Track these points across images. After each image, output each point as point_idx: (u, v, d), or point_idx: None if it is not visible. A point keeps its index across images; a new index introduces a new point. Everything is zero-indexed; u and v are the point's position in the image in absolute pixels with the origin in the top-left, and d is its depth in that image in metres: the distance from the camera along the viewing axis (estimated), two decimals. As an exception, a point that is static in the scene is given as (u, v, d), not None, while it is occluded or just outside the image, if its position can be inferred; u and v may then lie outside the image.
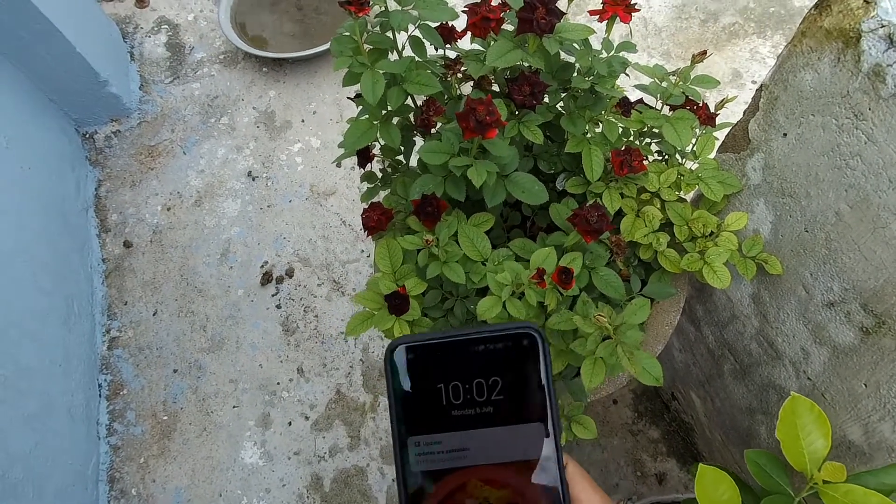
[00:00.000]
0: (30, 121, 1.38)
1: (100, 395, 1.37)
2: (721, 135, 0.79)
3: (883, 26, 0.49)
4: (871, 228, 0.59)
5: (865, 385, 0.66)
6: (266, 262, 1.50)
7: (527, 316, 0.58)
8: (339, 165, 0.80)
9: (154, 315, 1.45)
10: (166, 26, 1.81)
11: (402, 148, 0.71)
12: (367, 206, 0.66)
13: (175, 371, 1.39)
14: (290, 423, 1.30)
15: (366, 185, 0.75)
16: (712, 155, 0.76)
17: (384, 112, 0.65)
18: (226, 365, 1.38)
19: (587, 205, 0.58)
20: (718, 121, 0.77)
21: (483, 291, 0.63)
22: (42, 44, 1.34)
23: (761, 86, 0.66)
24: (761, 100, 0.67)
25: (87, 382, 1.34)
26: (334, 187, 1.58)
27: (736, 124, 0.74)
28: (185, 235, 1.54)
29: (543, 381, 0.32)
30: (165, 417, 1.34)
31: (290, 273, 1.48)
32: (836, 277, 0.66)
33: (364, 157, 0.70)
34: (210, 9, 1.83)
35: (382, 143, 0.66)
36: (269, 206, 1.57)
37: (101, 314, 1.45)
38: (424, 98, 0.63)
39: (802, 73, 0.59)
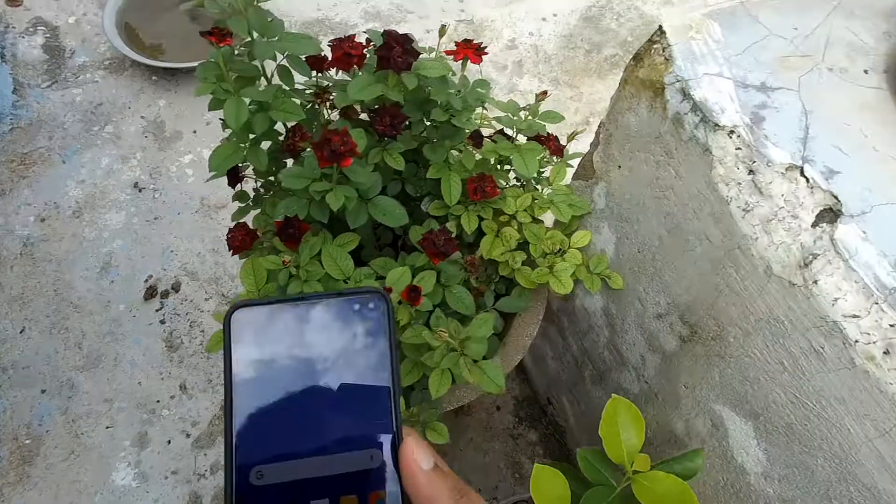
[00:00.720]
0: None
1: (-46, 422, 1.26)
2: (576, 163, 0.87)
3: (678, 81, 0.58)
4: (682, 251, 0.68)
5: (685, 386, 0.76)
6: (151, 276, 1.45)
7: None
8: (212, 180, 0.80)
9: (21, 332, 1.36)
10: (43, 28, 1.71)
11: (273, 168, 0.74)
12: (232, 227, 0.67)
13: (43, 391, 1.31)
14: (169, 442, 1.26)
15: (238, 204, 0.76)
16: (566, 182, 0.84)
17: (252, 136, 0.67)
18: (101, 383, 1.32)
19: (436, 229, 0.63)
20: (575, 150, 0.85)
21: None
22: None
23: (601, 123, 0.75)
24: (601, 135, 0.75)
25: (-61, 407, 1.23)
26: (226, 200, 1.55)
27: (584, 155, 0.82)
28: (60, 248, 1.46)
29: (387, 352, 0.31)
30: (28, 441, 1.26)
31: (176, 287, 1.44)
32: (662, 293, 0.75)
33: (234, 176, 0.72)
34: (94, 12, 1.76)
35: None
36: (155, 219, 1.52)
37: (-41, 332, 1.34)
38: (292, 123, 0.66)
39: (627, 115, 0.68)
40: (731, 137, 0.58)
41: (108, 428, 1.28)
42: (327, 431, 0.30)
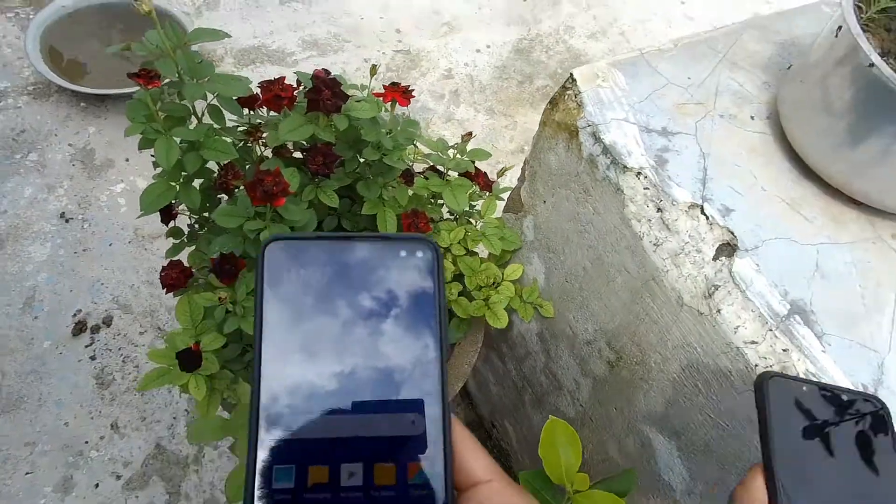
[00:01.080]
0: None
1: None
2: (507, 196, 0.91)
3: (589, 125, 0.63)
4: (605, 281, 0.72)
5: (615, 409, 0.80)
6: (80, 311, 1.39)
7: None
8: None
9: (-67, 375, 1.27)
10: (-38, 50, 1.63)
11: (207, 205, 0.74)
12: (165, 265, 0.67)
13: (-43, 438, 1.22)
14: (97, 485, 1.20)
15: (172, 241, 0.76)
16: (496, 215, 0.87)
17: (184, 174, 0.67)
18: (22, 426, 1.25)
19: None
20: (506, 184, 0.89)
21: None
22: None
23: (525, 160, 0.79)
24: (526, 171, 0.79)
25: None
26: (161, 230, 1.51)
27: (513, 189, 0.86)
28: (-22, 283, 1.38)
29: (435, 307, 0.28)
30: (-60, 494, 1.17)
31: (107, 321, 1.38)
32: (590, 320, 0.79)
33: (167, 213, 0.71)
34: (16, 34, 1.69)
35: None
36: (84, 251, 1.46)
37: None
38: (224, 162, 0.67)
39: (548, 154, 0.72)
40: (639, 178, 0.63)
41: (27, 474, 1.21)
42: (364, 388, 0.27)
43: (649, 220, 0.62)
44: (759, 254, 0.58)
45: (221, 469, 1.26)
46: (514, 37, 2.14)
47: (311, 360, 0.27)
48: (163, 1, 1.75)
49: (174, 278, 0.66)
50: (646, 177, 0.62)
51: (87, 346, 1.35)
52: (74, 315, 1.38)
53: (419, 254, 0.29)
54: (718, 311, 0.57)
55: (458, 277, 0.84)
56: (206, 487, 1.23)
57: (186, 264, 0.72)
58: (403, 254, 0.29)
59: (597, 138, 0.63)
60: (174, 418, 1.30)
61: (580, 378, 0.87)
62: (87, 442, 1.24)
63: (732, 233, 0.58)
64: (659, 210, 0.62)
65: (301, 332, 0.27)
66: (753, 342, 0.56)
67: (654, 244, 0.62)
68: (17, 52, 1.66)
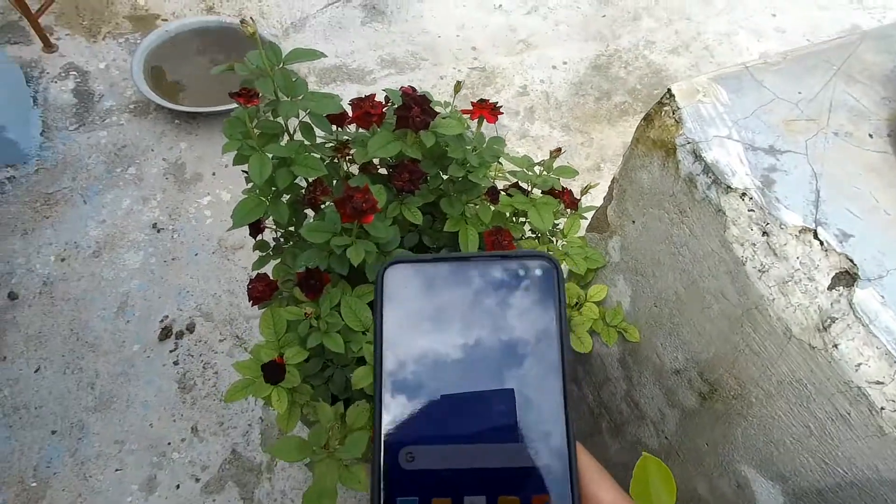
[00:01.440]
0: None
1: (-36, 462, 1.26)
2: (590, 215, 0.88)
3: (689, 142, 0.60)
4: (700, 308, 0.68)
5: (706, 444, 0.75)
6: (166, 317, 1.46)
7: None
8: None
9: (36, 372, 1.37)
10: (75, 73, 1.77)
11: (294, 220, 0.75)
12: (252, 277, 0.68)
13: (53, 432, 1.31)
14: (178, 486, 1.25)
15: (259, 253, 0.78)
16: (580, 234, 0.85)
17: (274, 189, 0.69)
18: (112, 425, 1.32)
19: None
20: (589, 202, 0.86)
21: (363, 360, 0.67)
22: (-69, 86, 1.29)
23: (614, 178, 0.76)
24: (615, 190, 0.76)
25: (-49, 447, 1.23)
26: (243, 242, 1.57)
27: (598, 209, 0.83)
28: (78, 287, 1.48)
29: (557, 330, 0.27)
30: (34, 484, 1.25)
31: (190, 328, 1.45)
32: (680, 348, 0.75)
33: (255, 227, 0.73)
34: (124, 58, 1.82)
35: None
36: (173, 259, 1.54)
37: (-25, 371, 1.35)
38: (313, 178, 0.68)
39: (640, 173, 0.69)
40: (743, 199, 0.58)
41: (117, 471, 1.27)
42: (487, 415, 0.26)
43: (753, 245, 0.58)
44: (883, 284, 0.52)
45: (292, 478, 1.28)
46: (592, 53, 2.10)
47: (432, 388, 0.27)
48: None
49: (261, 291, 0.67)
50: (751, 198, 0.58)
51: (171, 352, 1.41)
52: (161, 321, 1.45)
53: (538, 271, 0.28)
54: (835, 345, 0.52)
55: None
56: (278, 496, 1.25)
57: (271, 277, 0.73)
58: (522, 272, 0.28)
59: (697, 156, 0.60)
60: (249, 425, 1.33)
61: (666, 408, 0.82)
62: (169, 443, 1.30)
63: (852, 260, 0.53)
64: (765, 234, 0.57)
65: (422, 358, 0.27)
66: (878, 382, 0.50)
67: (759, 270, 0.57)
68: (124, 74, 1.78)
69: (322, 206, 0.68)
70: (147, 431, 1.32)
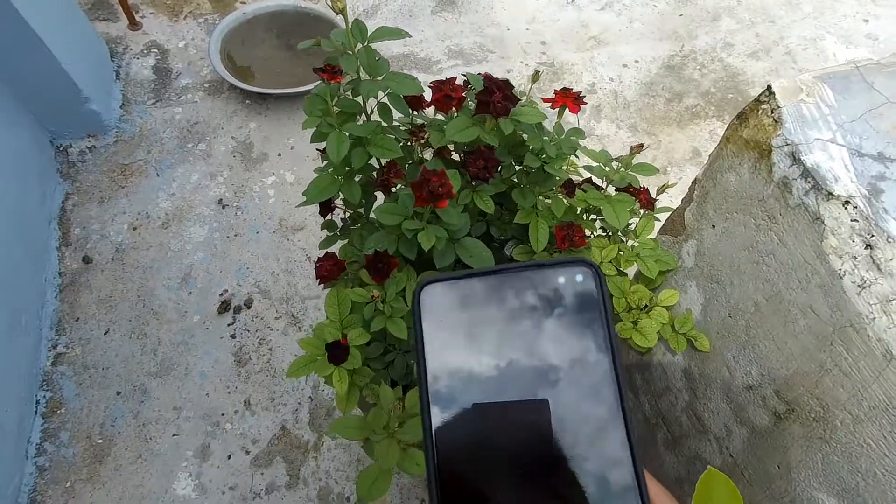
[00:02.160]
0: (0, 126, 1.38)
1: (35, 412, 1.33)
2: (664, 217, 0.85)
3: (788, 144, 0.56)
4: (782, 322, 0.64)
5: (778, 467, 0.70)
6: (226, 291, 1.50)
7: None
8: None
9: (105, 334, 1.43)
10: (156, 50, 1.84)
11: (364, 201, 0.75)
12: (321, 256, 0.69)
13: (118, 393, 1.36)
14: (229, 457, 1.28)
15: (325, 233, 0.78)
16: (652, 235, 0.81)
17: (347, 169, 0.69)
18: (171, 391, 1.36)
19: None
20: (662, 204, 0.83)
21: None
22: (26, 55, 1.36)
23: (695, 179, 0.72)
24: (695, 192, 0.73)
25: (23, 397, 1.30)
26: (303, 223, 1.60)
27: (675, 210, 0.80)
28: (147, 256, 1.54)
29: (606, 343, 0.25)
30: (100, 441, 1.31)
31: (248, 304, 1.48)
32: (755, 363, 0.71)
33: (326, 206, 0.74)
34: (202, 38, 1.88)
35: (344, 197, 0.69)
36: (236, 235, 1.58)
37: (50, 329, 1.43)
38: (387, 160, 0.68)
39: (727, 174, 0.65)
40: (846, 208, 0.54)
41: (174, 436, 1.32)
42: (539, 442, 0.25)
43: (854, 258, 0.54)
44: None
45: (337, 460, 1.29)
46: (666, 52, 2.03)
47: (478, 404, 0.25)
48: (327, 10, 1.87)
49: (328, 270, 0.67)
50: (855, 207, 0.54)
51: (228, 325, 1.45)
52: (221, 294, 1.49)
53: (579, 278, 0.26)
54: (944, 373, 0.48)
55: (605, 299, 0.79)
56: (322, 476, 1.27)
57: (339, 257, 0.73)
58: (562, 280, 0.26)
59: (795, 159, 0.56)
60: (299, 404, 1.36)
61: (734, 425, 0.78)
62: (223, 414, 1.33)
63: (971, 282, 0.49)
64: (868, 246, 0.53)
65: (465, 376, 0.26)
66: None
67: (859, 286, 0.53)
68: (201, 53, 1.84)
69: (394, 189, 0.67)
70: (203, 401, 1.36)
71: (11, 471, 1.23)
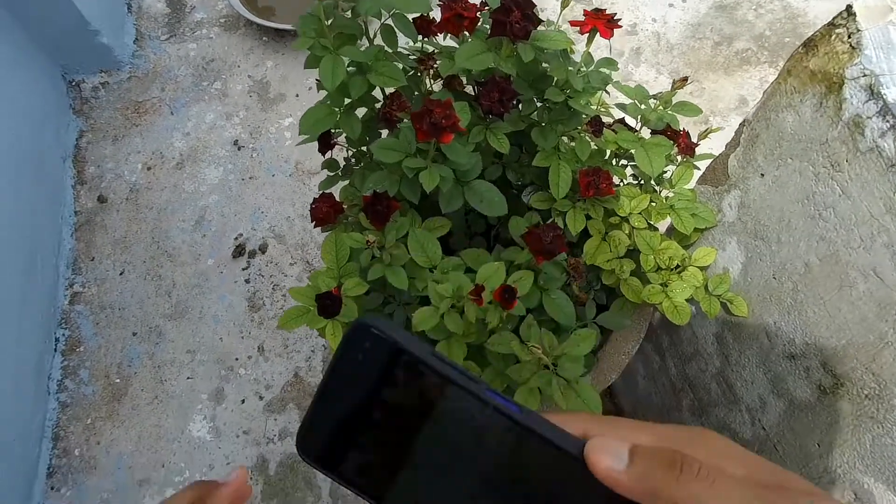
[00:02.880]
0: (9, 60, 1.34)
1: (55, 350, 1.34)
2: (703, 165, 0.75)
3: (865, 75, 0.46)
4: (837, 286, 0.56)
5: (818, 445, 0.64)
6: (240, 235, 1.46)
7: (465, 333, 0.55)
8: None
9: (121, 275, 1.42)
10: (169, -19, 1.76)
11: (367, 138, 0.68)
12: (317, 197, 0.62)
13: (134, 334, 1.36)
14: (243, 401, 1.27)
15: (326, 173, 0.72)
16: (690, 185, 0.72)
17: (347, 101, 0.61)
18: (186, 334, 1.35)
19: (544, 224, 0.55)
20: (702, 151, 0.73)
21: (427, 300, 0.60)
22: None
23: (744, 121, 0.63)
24: (743, 135, 0.63)
25: (43, 335, 1.31)
26: (320, 167, 1.54)
27: (717, 157, 0.70)
28: (161, 197, 1.50)
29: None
30: (118, 380, 1.31)
31: (263, 248, 1.45)
32: (800, 330, 0.63)
33: (325, 143, 0.67)
34: (217, -31, 1.79)
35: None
36: (251, 178, 1.53)
37: (66, 267, 1.42)
38: (391, 90, 0.60)
39: (785, 114, 0.56)
40: (933, 152, 0.45)
41: (188, 378, 1.31)
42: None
43: (936, 213, 0.45)
44: None
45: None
46: (717, -12, 1.85)
47: None
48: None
49: (324, 212, 0.61)
50: (943, 151, 0.44)
51: (243, 269, 1.42)
52: (236, 238, 1.46)
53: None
54: None
55: (631, 254, 0.71)
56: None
57: (339, 200, 0.67)
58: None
59: (873, 93, 0.46)
60: (312, 351, 1.33)
61: (770, 397, 0.71)
62: (237, 359, 1.32)
63: None
64: (956, 200, 0.44)
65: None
66: None
67: (941, 246, 0.44)
68: (215, -15, 1.75)
69: (398, 124, 0.60)
70: (217, 345, 1.35)
71: (35, 405, 1.24)
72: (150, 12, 1.70)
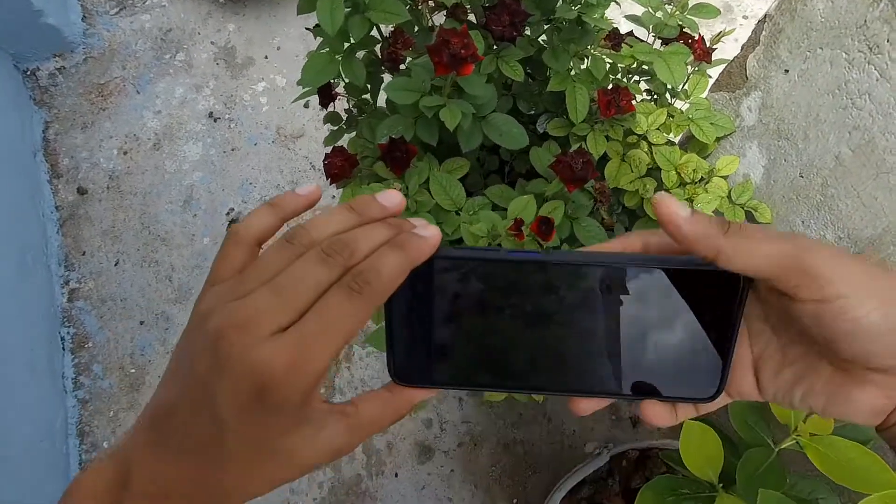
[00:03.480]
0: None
1: (63, 349, 1.31)
2: (714, 72, 0.73)
3: (910, -56, 0.44)
4: (873, 174, 0.55)
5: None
6: (232, 209, 1.42)
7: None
8: (306, 106, 0.72)
9: (116, 265, 1.38)
10: (109, -51, 1.64)
11: (369, 86, 0.64)
12: (329, 152, 0.59)
13: (142, 323, 1.33)
14: (262, 376, 1.26)
15: (329, 127, 0.68)
16: (704, 94, 0.70)
17: (347, 45, 0.58)
18: (193, 317, 1.33)
19: (571, 150, 0.53)
20: (716, 56, 0.71)
21: (457, 244, 0.58)
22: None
23: (765, 16, 0.60)
24: (763, 32, 0.61)
25: (47, 335, 1.28)
26: (302, 129, 1.49)
27: (732, 60, 0.68)
28: (144, 181, 1.45)
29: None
30: (133, 370, 1.30)
31: (258, 220, 1.41)
32: (831, 225, 0.62)
33: (326, 95, 0.63)
34: (158, -71, 1.66)
35: (346, 80, 0.59)
36: (233, 150, 1.48)
37: (58, 265, 1.38)
38: (392, 29, 0.56)
39: (814, 2, 0.53)
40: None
41: (202, 359, 1.30)
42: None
43: (984, 83, 0.44)
44: None
45: (370, 367, 1.27)
46: None
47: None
48: None
49: (339, 167, 0.58)
50: None
51: (242, 244, 1.39)
52: (227, 213, 1.42)
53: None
54: None
55: (653, 171, 0.69)
56: (357, 384, 1.26)
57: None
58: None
59: (915, -38, 0.44)
60: (325, 316, 1.32)
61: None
62: (248, 334, 1.30)
63: None
64: None
65: None
66: None
67: None
68: (159, -53, 1.64)
69: (403, 65, 0.56)
70: (226, 322, 1.33)
71: (55, 406, 1.23)
72: (95, -15, 1.59)
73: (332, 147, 0.61)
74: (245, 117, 1.50)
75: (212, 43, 1.57)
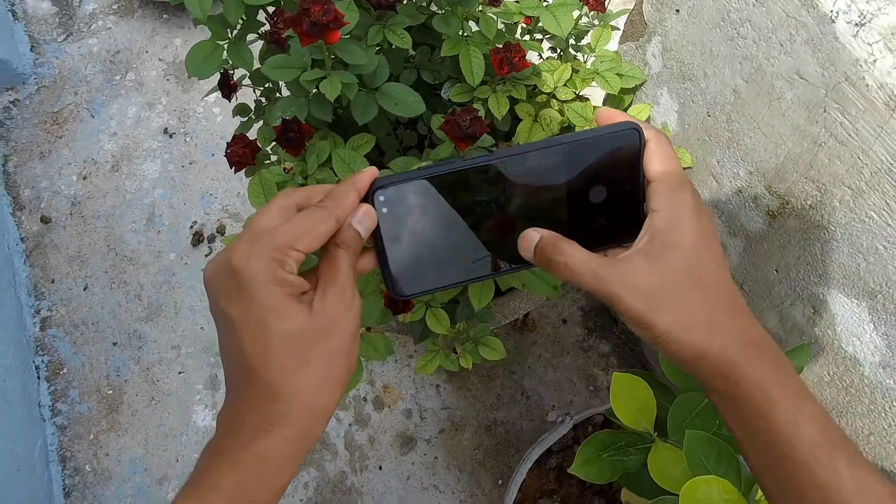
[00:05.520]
0: None
1: (38, 377, 1.32)
2: (620, 24, 0.73)
3: None
4: (766, 102, 0.54)
5: (776, 271, 0.64)
6: (195, 222, 1.43)
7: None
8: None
9: (85, 290, 1.39)
10: (49, -22, 1.65)
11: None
12: (229, 141, 0.60)
13: (115, 344, 1.34)
14: (235, 382, 1.27)
15: (239, 120, 0.69)
16: (612, 46, 0.70)
17: (236, 32, 0.58)
18: (166, 332, 1.33)
19: (459, 109, 0.53)
20: (617, 7, 0.71)
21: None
22: None
23: (647, -43, 0.60)
24: (650, -26, 0.61)
25: (20, 366, 1.28)
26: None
27: (633, 9, 0.68)
28: (106, 204, 1.45)
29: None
30: (110, 391, 1.30)
31: (221, 230, 1.41)
32: (741, 161, 0.62)
33: (226, 85, 0.63)
34: (96, -47, 1.67)
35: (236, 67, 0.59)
36: (191, 163, 1.48)
37: (28, 295, 1.38)
38: (272, 8, 0.56)
39: (681, -66, 0.53)
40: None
41: (180, 373, 1.30)
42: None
43: (842, -8, 0.43)
44: None
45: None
46: None
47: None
48: None
49: (240, 154, 0.59)
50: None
51: (206, 256, 1.39)
52: (191, 227, 1.42)
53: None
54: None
55: (567, 129, 0.69)
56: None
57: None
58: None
59: None
60: (294, 317, 1.32)
61: (728, 238, 0.71)
62: (219, 343, 1.31)
63: None
64: (858, -28, 0.42)
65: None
66: None
67: (857, 24, 0.43)
68: (99, -29, 1.64)
69: (288, 43, 0.56)
70: (199, 335, 1.33)
71: (32, 434, 1.23)
72: (38, 14, 1.60)
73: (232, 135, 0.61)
74: (200, 130, 1.51)
75: (160, 60, 1.57)
